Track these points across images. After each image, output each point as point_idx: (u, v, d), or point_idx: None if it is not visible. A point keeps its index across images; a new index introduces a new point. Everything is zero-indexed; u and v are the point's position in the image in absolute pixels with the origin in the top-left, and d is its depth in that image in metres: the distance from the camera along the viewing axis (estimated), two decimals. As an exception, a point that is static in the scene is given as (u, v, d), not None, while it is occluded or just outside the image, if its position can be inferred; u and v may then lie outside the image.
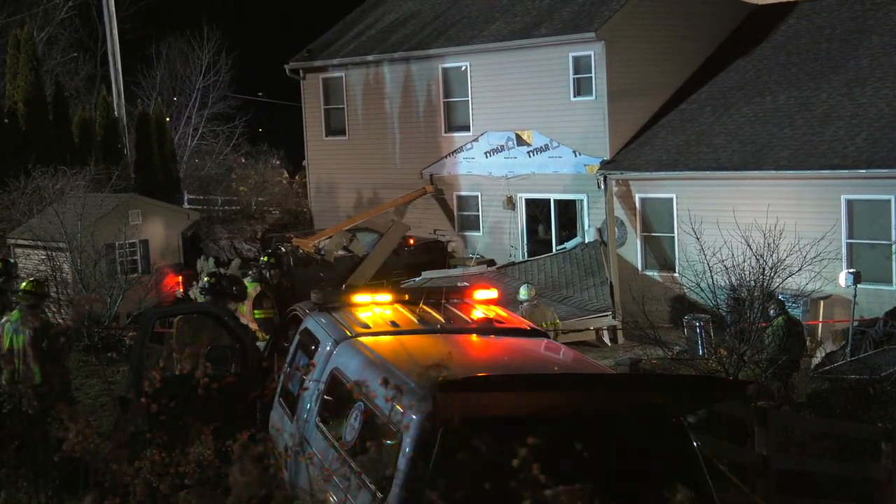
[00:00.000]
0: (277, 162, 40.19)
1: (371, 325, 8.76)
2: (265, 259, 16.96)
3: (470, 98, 27.27)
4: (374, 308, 9.29)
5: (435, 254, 26.68)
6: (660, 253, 23.78)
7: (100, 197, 22.99)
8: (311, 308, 9.50)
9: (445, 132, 27.96)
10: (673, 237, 23.22)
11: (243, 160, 38.61)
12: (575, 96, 25.05)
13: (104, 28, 32.88)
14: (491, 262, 25.71)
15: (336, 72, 30.50)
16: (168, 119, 35.79)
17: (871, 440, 11.19)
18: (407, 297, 9.57)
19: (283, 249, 23.19)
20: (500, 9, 28.00)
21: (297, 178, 36.86)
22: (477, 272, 24.12)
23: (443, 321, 8.94)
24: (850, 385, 14.16)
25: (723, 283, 16.22)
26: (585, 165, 24.88)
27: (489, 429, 6.34)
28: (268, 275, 16.32)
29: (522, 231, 26.57)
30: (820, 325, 20.11)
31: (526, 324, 9.58)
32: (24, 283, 12.50)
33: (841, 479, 10.79)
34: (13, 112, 27.65)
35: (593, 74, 24.58)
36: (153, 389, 6.82)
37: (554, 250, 25.41)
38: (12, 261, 15.01)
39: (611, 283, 22.12)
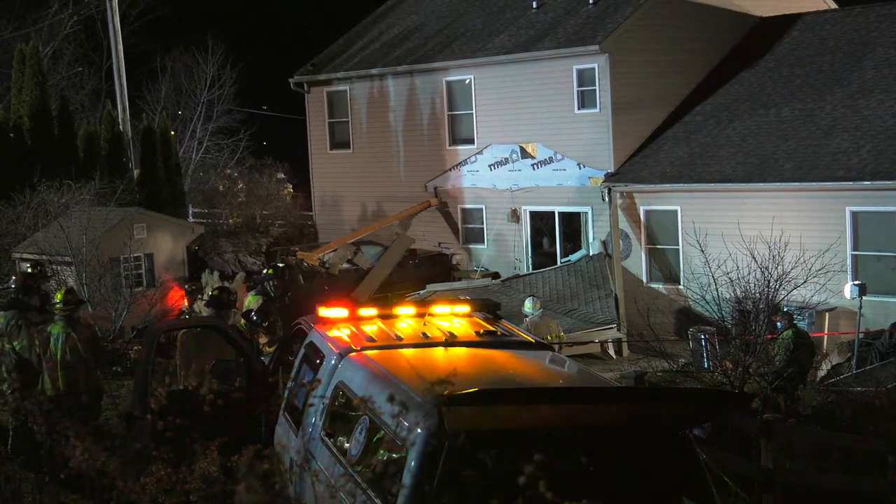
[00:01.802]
0: (282, 176, 40.14)
1: (376, 339, 8.76)
2: (268, 272, 16.95)
3: (474, 111, 27.30)
4: (378, 321, 9.30)
5: (439, 267, 26.67)
6: (664, 265, 23.75)
7: (105, 211, 23.03)
8: (316, 321, 9.50)
9: (450, 145, 27.98)
10: (678, 249, 23.20)
11: (235, 174, 38.58)
12: (579, 109, 25.06)
13: (109, 42, 32.97)
14: (496, 275, 25.71)
15: (340, 85, 30.56)
16: (173, 133, 35.80)
17: (878, 453, 11.16)
18: (412, 310, 9.58)
19: (282, 265, 23.18)
20: (504, 22, 28.04)
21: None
22: (482, 285, 24.13)
23: (447, 334, 8.94)
24: (856, 397, 14.12)
25: (728, 296, 16.19)
26: (590, 178, 24.88)
27: (494, 443, 6.33)
28: (270, 287, 16.29)
29: (527, 243, 26.56)
30: (825, 337, 20.07)
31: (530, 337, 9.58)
32: (58, 295, 12.58)
33: (847, 492, 10.75)
34: (18, 126, 27.67)
35: (597, 87, 24.59)
36: (159, 406, 6.81)
37: (559, 263, 25.39)
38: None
39: (616, 295, 22.09)
